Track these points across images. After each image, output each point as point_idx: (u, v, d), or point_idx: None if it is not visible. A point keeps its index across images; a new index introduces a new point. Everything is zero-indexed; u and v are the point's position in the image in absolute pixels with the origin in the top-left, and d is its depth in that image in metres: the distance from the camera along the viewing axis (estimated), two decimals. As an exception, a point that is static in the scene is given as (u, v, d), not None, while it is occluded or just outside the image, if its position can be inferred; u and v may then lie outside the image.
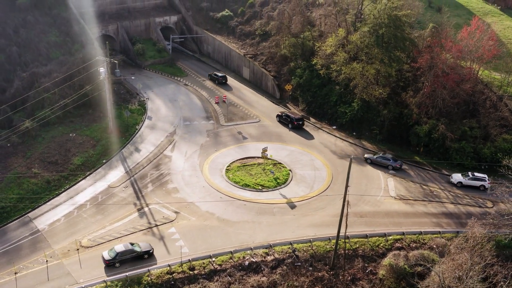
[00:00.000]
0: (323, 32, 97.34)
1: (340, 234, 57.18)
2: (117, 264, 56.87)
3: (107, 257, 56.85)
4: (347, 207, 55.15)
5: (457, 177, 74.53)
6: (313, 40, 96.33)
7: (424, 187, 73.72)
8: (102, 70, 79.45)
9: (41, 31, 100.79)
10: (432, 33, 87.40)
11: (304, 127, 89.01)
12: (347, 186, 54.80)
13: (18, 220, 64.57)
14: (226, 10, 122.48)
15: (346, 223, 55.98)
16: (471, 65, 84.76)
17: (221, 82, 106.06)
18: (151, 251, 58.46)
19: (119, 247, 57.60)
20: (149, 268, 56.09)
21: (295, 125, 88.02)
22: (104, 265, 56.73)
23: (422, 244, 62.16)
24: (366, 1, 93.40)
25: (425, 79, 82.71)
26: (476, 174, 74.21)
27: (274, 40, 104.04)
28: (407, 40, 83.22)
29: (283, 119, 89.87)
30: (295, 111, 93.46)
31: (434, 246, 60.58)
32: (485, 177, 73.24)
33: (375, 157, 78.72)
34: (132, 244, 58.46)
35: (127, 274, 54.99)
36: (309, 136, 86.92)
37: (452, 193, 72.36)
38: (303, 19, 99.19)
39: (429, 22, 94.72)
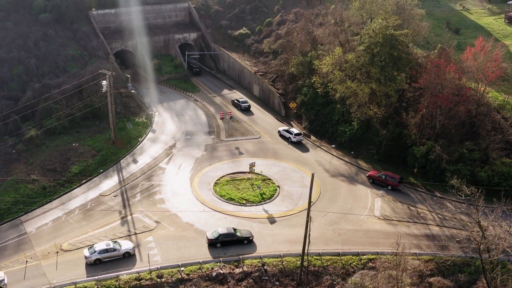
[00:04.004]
0: (329, 51, 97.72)
1: (309, 251, 57.36)
2: (218, 245, 62.72)
3: (210, 236, 62.79)
4: (310, 223, 55.30)
5: (281, 128, 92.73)
6: (318, 59, 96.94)
7: (412, 208, 72.60)
8: (104, 83, 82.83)
9: (60, 44, 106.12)
10: (440, 54, 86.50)
11: (302, 142, 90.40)
12: (310, 202, 55.13)
13: (10, 222, 68.05)
14: (244, 28, 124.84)
15: (309, 239, 56.06)
16: (476, 86, 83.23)
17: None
18: (251, 238, 63.81)
19: (222, 229, 63.49)
20: (118, 273, 57.94)
21: (194, 72, 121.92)
22: (209, 245, 62.89)
23: (395, 264, 61.09)
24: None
25: (423, 100, 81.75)
26: (292, 129, 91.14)
27: (283, 58, 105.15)
28: (403, 60, 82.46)
29: (193, 69, 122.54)
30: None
31: (409, 268, 59.51)
32: (293, 132, 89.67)
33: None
34: (234, 229, 64.04)
35: (96, 278, 57.09)
36: (305, 154, 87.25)
37: (439, 216, 70.96)
38: (308, 38, 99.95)
39: (437, 43, 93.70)
